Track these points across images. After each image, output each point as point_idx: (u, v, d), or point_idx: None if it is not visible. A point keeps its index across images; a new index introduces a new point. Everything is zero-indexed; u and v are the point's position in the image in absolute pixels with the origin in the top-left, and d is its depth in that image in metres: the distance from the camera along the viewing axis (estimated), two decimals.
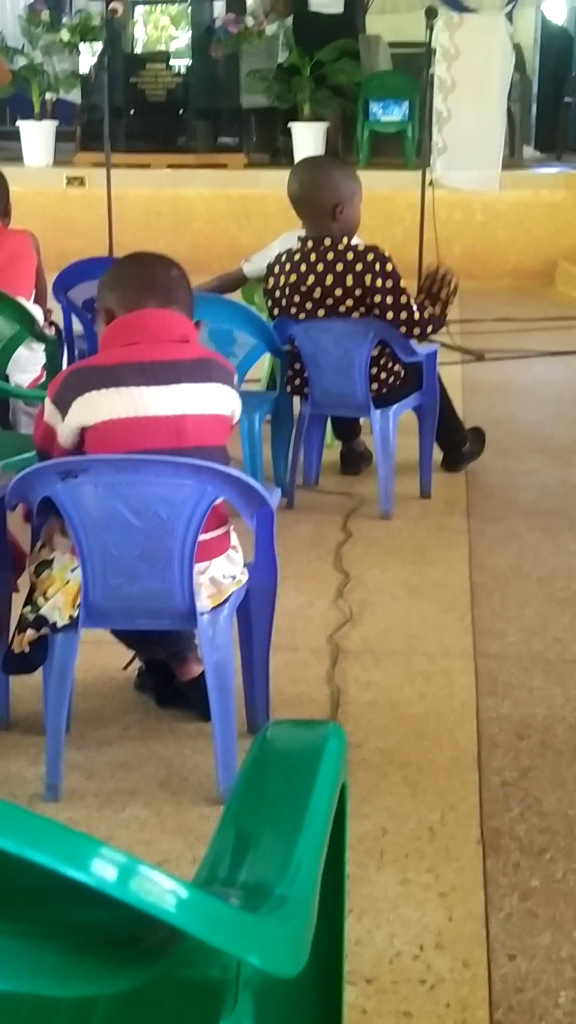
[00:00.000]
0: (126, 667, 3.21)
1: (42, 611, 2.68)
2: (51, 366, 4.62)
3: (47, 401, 2.77)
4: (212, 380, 2.75)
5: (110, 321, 2.80)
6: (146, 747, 2.95)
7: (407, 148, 10.45)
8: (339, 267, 4.40)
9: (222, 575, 2.74)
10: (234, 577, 2.76)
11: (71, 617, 2.67)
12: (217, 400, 2.76)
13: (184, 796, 2.74)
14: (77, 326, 5.24)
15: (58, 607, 2.67)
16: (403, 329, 4.42)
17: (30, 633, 2.69)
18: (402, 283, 4.41)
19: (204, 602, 2.69)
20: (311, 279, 4.44)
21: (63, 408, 2.72)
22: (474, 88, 9.15)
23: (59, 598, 2.68)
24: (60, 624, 2.67)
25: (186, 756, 2.91)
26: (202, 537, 2.64)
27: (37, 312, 4.66)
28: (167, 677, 3.09)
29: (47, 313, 4.90)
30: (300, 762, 1.42)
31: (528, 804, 2.71)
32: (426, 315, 4.44)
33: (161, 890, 1.03)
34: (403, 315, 4.40)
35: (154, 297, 2.79)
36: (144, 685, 3.17)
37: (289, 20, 11.14)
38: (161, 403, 2.68)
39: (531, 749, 2.94)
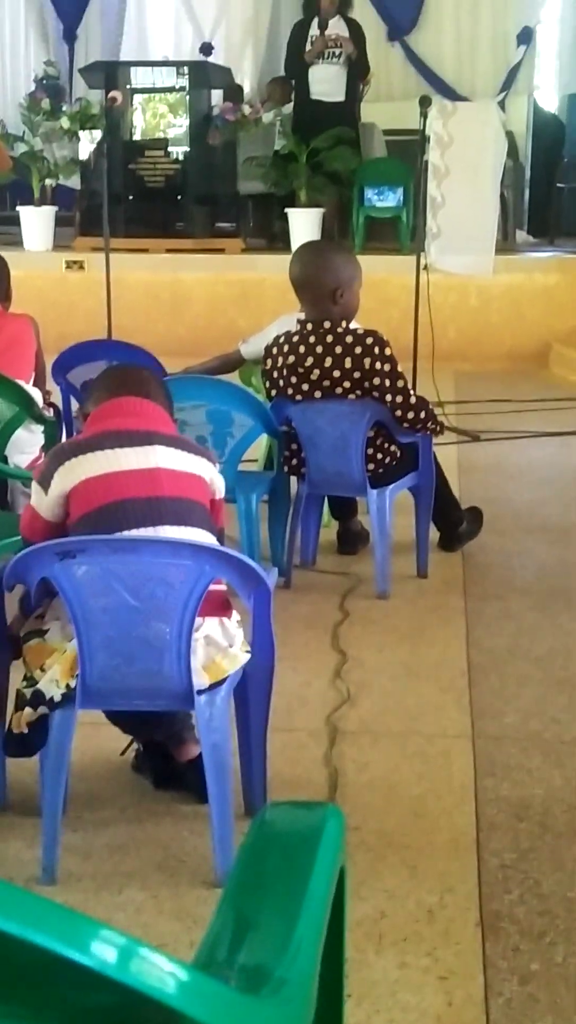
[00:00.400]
0: (123, 752, 3.19)
1: (39, 685, 2.67)
2: (50, 447, 4.65)
3: (33, 485, 2.86)
4: (187, 450, 2.90)
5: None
6: (143, 829, 2.93)
7: (402, 233, 10.59)
8: (338, 350, 4.45)
9: (220, 637, 2.74)
10: (231, 646, 2.76)
11: (68, 687, 2.67)
12: (192, 463, 2.90)
13: (181, 879, 2.72)
14: (75, 408, 5.28)
15: (55, 679, 2.67)
16: (398, 413, 4.47)
17: (28, 712, 2.68)
18: (399, 368, 4.47)
19: (202, 676, 2.68)
20: (309, 361, 4.49)
21: (46, 484, 2.84)
22: (468, 174, 9.32)
23: (56, 669, 2.68)
24: (58, 697, 2.67)
25: (183, 839, 2.89)
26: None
27: (36, 394, 4.70)
28: (164, 759, 3.08)
29: (46, 395, 4.94)
30: (299, 844, 1.42)
31: (527, 887, 2.69)
32: (424, 408, 4.51)
33: (161, 972, 1.02)
34: (399, 399, 4.45)
35: (128, 391, 3.01)
36: (141, 767, 3.15)
37: (286, 108, 11.34)
38: (136, 459, 2.82)
39: (530, 831, 2.92)
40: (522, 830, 2.93)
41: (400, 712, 3.58)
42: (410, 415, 4.50)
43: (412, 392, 4.51)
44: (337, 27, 10.57)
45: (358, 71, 10.84)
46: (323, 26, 10.53)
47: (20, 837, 2.88)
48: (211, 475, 2.94)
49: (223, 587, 2.78)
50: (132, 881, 2.71)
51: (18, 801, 3.02)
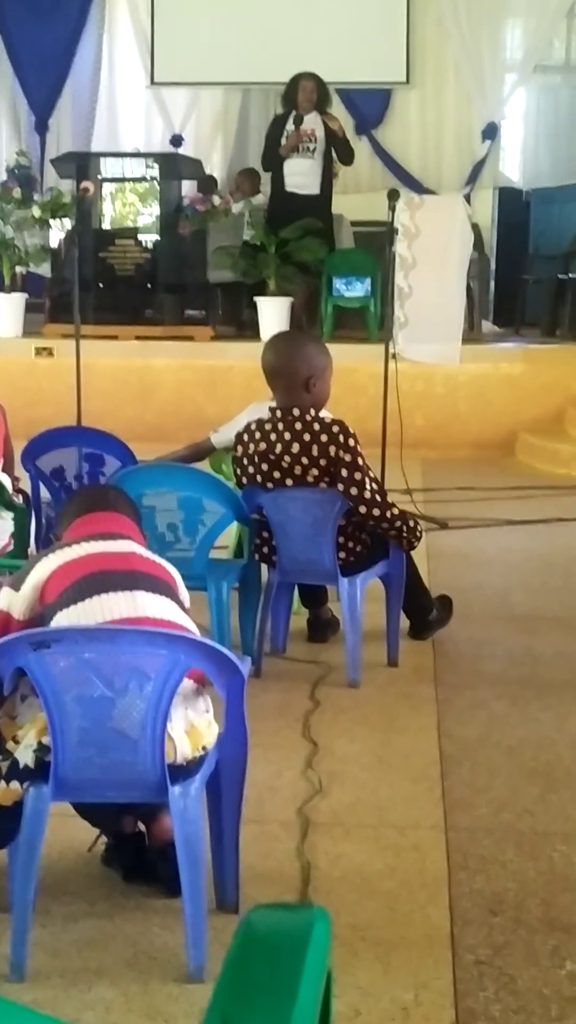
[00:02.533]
0: (91, 848, 3.15)
1: (16, 754, 2.65)
2: (19, 535, 4.64)
3: (4, 590, 2.87)
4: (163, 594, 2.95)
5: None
6: (113, 924, 2.88)
7: (370, 322, 10.70)
8: (306, 437, 4.48)
9: (192, 693, 2.77)
10: (208, 710, 2.79)
11: (40, 744, 2.64)
12: (164, 567, 3.00)
13: (152, 975, 2.67)
14: (45, 494, 5.27)
15: (31, 745, 2.65)
16: (361, 509, 4.47)
17: (2, 786, 2.64)
18: (361, 461, 4.48)
19: (184, 743, 2.67)
20: (279, 448, 4.51)
21: (19, 583, 2.89)
22: (435, 265, 9.45)
23: (31, 735, 2.66)
24: (31, 761, 2.63)
25: (154, 934, 2.84)
26: None
27: (6, 480, 4.70)
28: (135, 852, 3.04)
29: (15, 481, 4.93)
30: (287, 950, 1.39)
31: (502, 983, 2.66)
32: (389, 509, 4.55)
33: None
34: (353, 491, 4.45)
35: (98, 507, 3.16)
36: (111, 860, 3.11)
37: (255, 199, 11.49)
38: (111, 548, 2.90)
39: (504, 925, 2.89)
40: (496, 924, 2.90)
41: (372, 803, 3.55)
42: (375, 511, 4.50)
43: (373, 486, 4.52)
44: (314, 123, 10.74)
45: (342, 159, 10.95)
46: (299, 121, 10.70)
47: None
48: (176, 578, 3.05)
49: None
50: (102, 978, 2.66)
51: None
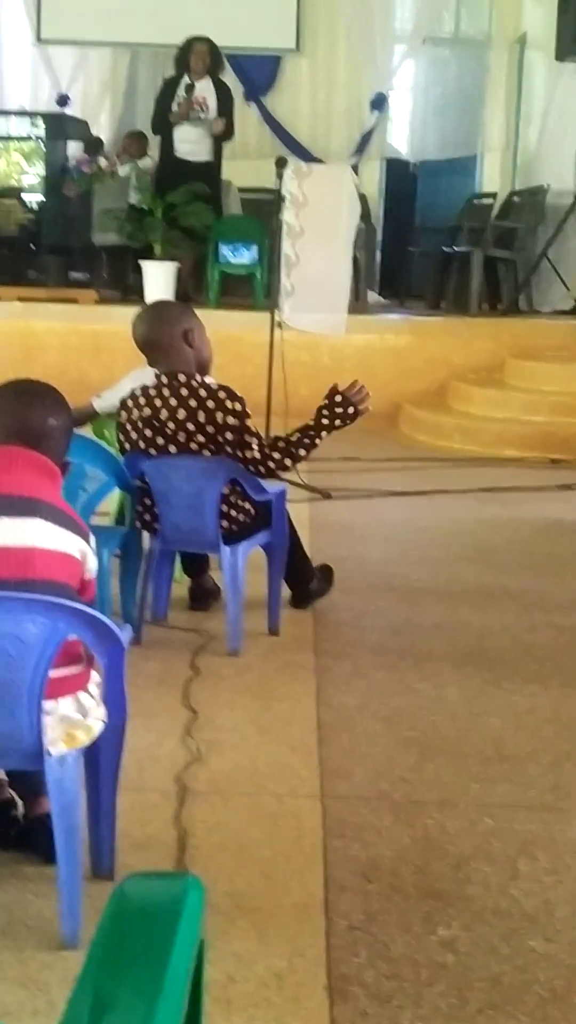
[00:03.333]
0: None
1: None
2: None
3: None
4: (64, 526, 2.76)
5: None
6: None
7: (256, 290, 10.69)
8: (192, 403, 4.46)
9: (74, 712, 2.69)
10: (86, 717, 2.72)
11: None
12: (67, 541, 2.77)
13: (26, 943, 2.65)
14: None
15: None
16: (249, 468, 4.48)
17: None
18: (249, 422, 4.48)
19: (58, 746, 2.64)
20: (164, 414, 4.48)
21: None
22: (322, 235, 9.44)
23: None
24: None
25: (28, 901, 2.82)
26: (53, 674, 2.61)
27: None
28: (6, 818, 3.01)
29: None
30: (159, 919, 1.39)
31: (376, 950, 2.69)
32: (274, 457, 4.50)
33: None
34: (247, 454, 4.45)
35: (22, 440, 2.84)
36: None
37: (142, 162, 11.38)
38: (13, 533, 2.69)
39: (379, 892, 2.93)
40: (371, 891, 2.93)
41: (250, 771, 3.57)
42: (261, 469, 4.52)
43: (258, 446, 4.50)
44: (205, 88, 10.68)
45: (223, 133, 10.93)
46: (190, 89, 10.64)
47: None
48: (84, 552, 2.83)
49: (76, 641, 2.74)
50: None
51: None
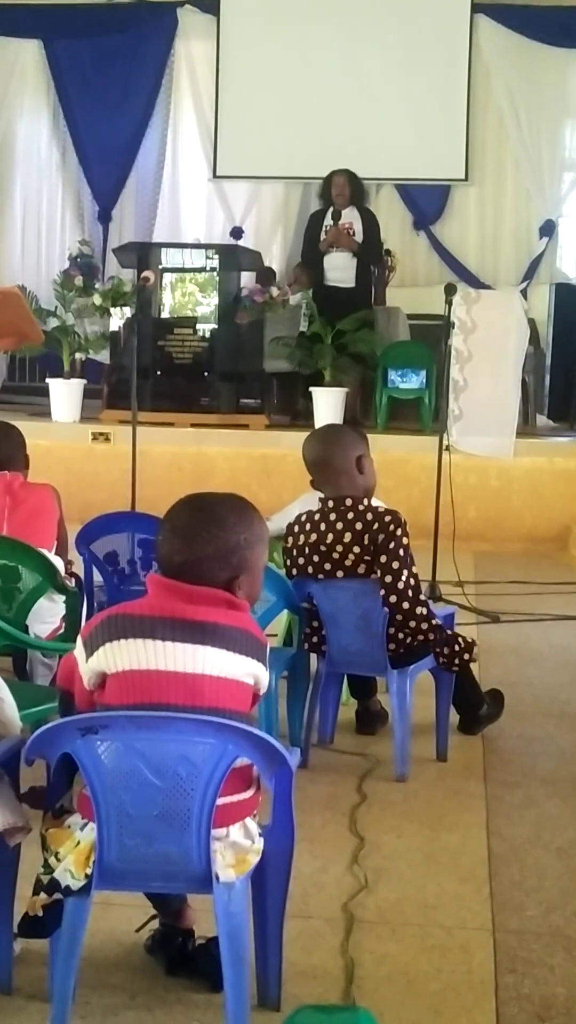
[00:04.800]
0: (140, 928, 3.11)
1: (55, 874, 2.62)
2: (71, 618, 4.65)
3: (78, 639, 2.79)
4: (239, 651, 2.72)
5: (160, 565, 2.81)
6: (153, 1017, 2.84)
7: (424, 414, 10.74)
8: (358, 526, 4.47)
9: (243, 838, 2.68)
10: (252, 842, 2.71)
11: (86, 875, 2.61)
12: (241, 667, 2.73)
13: None
14: (97, 578, 5.29)
15: (69, 869, 2.62)
16: (391, 597, 4.43)
17: (43, 897, 2.63)
18: (404, 552, 4.43)
19: (227, 872, 2.62)
20: (330, 538, 4.50)
21: (90, 649, 2.75)
22: (490, 359, 9.48)
23: (69, 860, 2.63)
24: (74, 887, 2.61)
25: None
26: (223, 800, 2.60)
27: (59, 564, 4.72)
28: (183, 945, 3.00)
29: (68, 565, 4.95)
30: None
31: None
32: (420, 600, 4.49)
33: None
34: (388, 579, 4.41)
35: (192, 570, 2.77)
36: (154, 948, 3.06)
37: (312, 291, 11.63)
38: (183, 660, 2.68)
39: None
40: None
41: (419, 902, 3.49)
42: (404, 604, 4.43)
43: (414, 585, 4.46)
44: (350, 217, 11.03)
45: (369, 257, 11.19)
46: (337, 216, 10.98)
47: (27, 1023, 2.78)
48: (258, 675, 2.77)
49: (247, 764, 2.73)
50: None
51: (24, 983, 2.93)
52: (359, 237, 10.97)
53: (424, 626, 4.51)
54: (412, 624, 4.49)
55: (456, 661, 4.61)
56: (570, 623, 7.18)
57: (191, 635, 2.69)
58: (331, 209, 11.05)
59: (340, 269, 11.03)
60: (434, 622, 4.51)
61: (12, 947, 2.93)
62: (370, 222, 11.18)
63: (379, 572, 4.43)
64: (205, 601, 2.74)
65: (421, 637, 4.52)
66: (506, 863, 3.77)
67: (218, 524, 2.79)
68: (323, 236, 11.05)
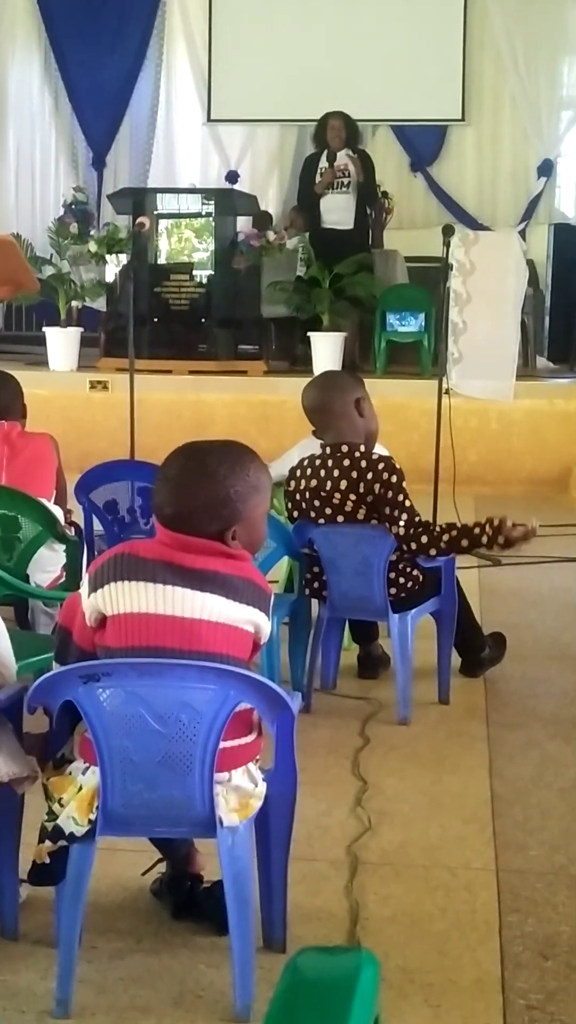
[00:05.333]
0: (146, 872, 3.12)
1: (59, 821, 2.63)
2: (71, 567, 4.65)
3: (84, 576, 2.80)
4: (239, 599, 2.72)
5: (159, 517, 2.79)
6: (159, 961, 2.86)
7: (423, 358, 10.69)
8: (354, 474, 4.46)
9: (247, 782, 2.69)
10: (256, 786, 2.72)
11: (90, 821, 2.62)
12: (240, 614, 2.72)
13: (198, 1014, 2.65)
14: (97, 526, 5.28)
15: (72, 816, 2.63)
16: (403, 545, 4.41)
17: (48, 845, 2.64)
18: (402, 497, 4.41)
19: (231, 816, 2.63)
20: (329, 484, 4.50)
21: (94, 585, 2.75)
22: (489, 301, 9.45)
23: (72, 806, 2.64)
24: (78, 833, 2.62)
25: (200, 972, 2.81)
26: (225, 744, 2.61)
27: (58, 513, 4.71)
28: (190, 890, 3.01)
29: (67, 514, 4.94)
30: (333, 994, 1.37)
31: None
32: (420, 540, 4.41)
33: None
34: (393, 529, 4.40)
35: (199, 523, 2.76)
36: (161, 892, 3.08)
37: (308, 235, 11.55)
38: (182, 605, 2.68)
39: (557, 970, 2.84)
40: (548, 969, 2.85)
41: (422, 843, 3.51)
42: (412, 545, 4.42)
43: (416, 518, 4.45)
44: (345, 159, 10.98)
45: (367, 199, 11.14)
46: (332, 158, 10.95)
47: (33, 968, 2.81)
48: (259, 623, 2.75)
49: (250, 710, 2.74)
50: (148, 1016, 2.64)
51: (31, 929, 2.95)
52: (355, 177, 10.94)
53: (441, 547, 4.42)
54: (432, 552, 4.45)
55: (483, 540, 4.38)
56: (571, 565, 7.18)
57: (192, 582, 2.69)
58: (326, 151, 11.01)
59: (337, 211, 11.00)
60: (443, 539, 4.43)
61: (18, 894, 2.95)
62: (366, 163, 11.14)
63: (386, 524, 4.42)
64: (200, 551, 2.73)
65: (444, 557, 4.48)
66: (509, 804, 3.79)
67: (208, 476, 2.76)
68: (318, 179, 10.99)
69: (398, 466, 4.47)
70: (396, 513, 4.42)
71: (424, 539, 4.43)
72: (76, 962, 2.67)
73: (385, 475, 4.43)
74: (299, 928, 2.95)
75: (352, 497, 4.47)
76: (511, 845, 3.49)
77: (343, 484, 4.47)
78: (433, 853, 3.45)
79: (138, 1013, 2.65)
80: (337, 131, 10.98)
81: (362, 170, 10.98)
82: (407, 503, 4.44)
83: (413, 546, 4.43)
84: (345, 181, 10.97)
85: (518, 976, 2.81)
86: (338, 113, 11.05)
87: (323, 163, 11.00)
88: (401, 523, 4.41)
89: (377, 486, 4.43)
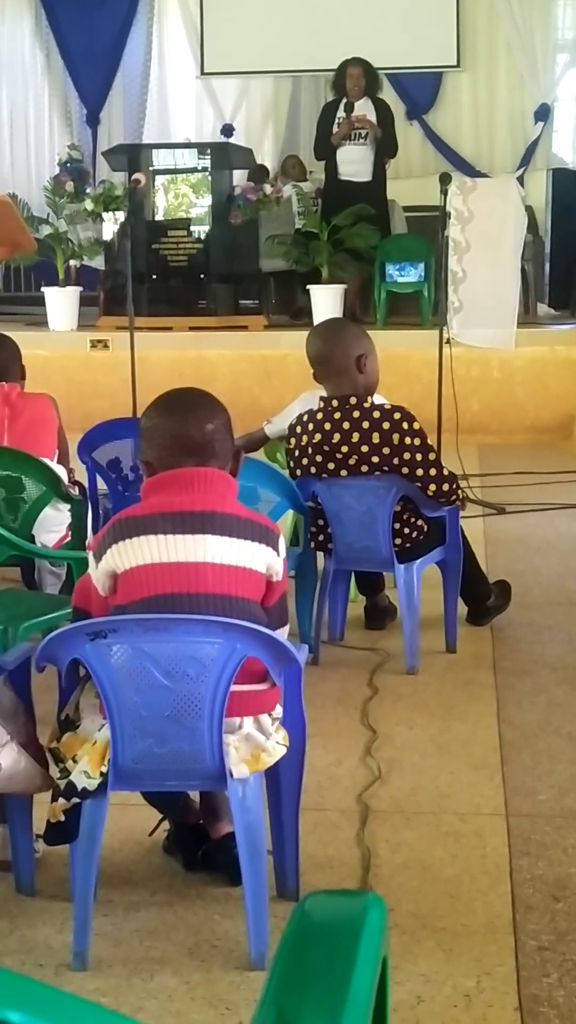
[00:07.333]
0: (152, 832, 3.16)
1: (71, 777, 2.65)
2: (76, 526, 4.66)
3: (89, 555, 2.82)
4: (243, 537, 2.75)
5: (151, 472, 2.84)
6: (174, 913, 2.89)
7: (423, 308, 10.65)
8: (365, 425, 4.45)
9: (257, 732, 2.71)
10: (268, 738, 2.73)
11: (102, 774, 2.64)
12: (246, 554, 2.74)
13: (214, 964, 2.68)
14: (101, 486, 5.29)
15: (85, 769, 2.65)
16: (431, 488, 4.46)
17: (62, 803, 2.67)
18: (429, 442, 4.48)
19: (241, 768, 2.66)
20: (336, 437, 4.49)
21: (99, 556, 2.77)
22: (488, 249, 9.39)
23: (86, 760, 2.66)
24: (90, 788, 2.64)
25: (215, 922, 2.85)
26: (235, 688, 2.62)
27: (62, 472, 4.72)
28: (196, 841, 3.05)
29: (70, 473, 4.95)
30: (341, 936, 1.39)
31: (566, 969, 2.64)
32: (453, 480, 4.54)
33: None
34: (432, 472, 4.46)
35: (190, 457, 2.82)
36: (171, 848, 3.12)
37: (304, 185, 11.47)
38: (185, 550, 2.70)
39: (567, 911, 2.87)
40: (559, 911, 2.87)
41: (432, 790, 3.54)
42: (444, 487, 4.51)
43: (442, 465, 4.51)
44: (364, 108, 10.67)
45: (385, 150, 10.89)
46: (350, 108, 10.64)
47: (50, 922, 2.84)
48: (268, 562, 2.77)
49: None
50: (164, 967, 2.67)
51: (47, 885, 2.98)
52: (374, 130, 10.64)
53: (455, 497, 4.59)
54: (453, 498, 4.57)
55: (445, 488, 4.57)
56: (575, 511, 7.19)
57: (190, 526, 2.72)
58: (344, 100, 10.72)
59: (355, 163, 10.73)
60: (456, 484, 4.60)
61: (33, 850, 2.98)
62: (385, 112, 10.84)
63: (408, 471, 4.44)
64: (200, 485, 2.77)
65: (454, 497, 4.58)
66: (517, 749, 3.81)
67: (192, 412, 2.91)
68: (335, 129, 10.75)
69: (411, 413, 4.48)
70: (420, 458, 4.45)
71: (451, 484, 4.53)
72: (92, 916, 2.70)
73: (405, 424, 4.43)
74: (312, 877, 2.98)
75: (363, 449, 4.45)
76: (520, 790, 3.52)
77: (354, 437, 4.46)
78: (443, 800, 3.48)
79: (154, 964, 2.68)
80: (356, 79, 10.66)
81: (381, 122, 10.71)
82: (432, 447, 4.50)
83: (444, 487, 4.49)
84: (363, 132, 10.69)
85: (529, 919, 2.84)
86: (357, 60, 10.69)
87: (341, 113, 10.67)
88: (434, 470, 4.48)
89: (396, 436, 4.42)
